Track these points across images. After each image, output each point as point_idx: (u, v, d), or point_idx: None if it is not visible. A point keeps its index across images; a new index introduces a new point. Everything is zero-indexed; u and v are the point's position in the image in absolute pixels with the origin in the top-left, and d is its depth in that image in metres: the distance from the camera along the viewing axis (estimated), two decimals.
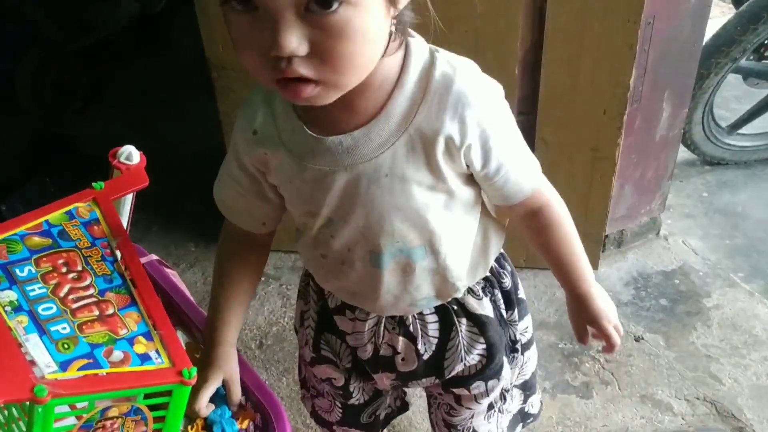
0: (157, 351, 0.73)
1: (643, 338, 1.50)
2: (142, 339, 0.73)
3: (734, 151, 2.11)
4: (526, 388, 0.94)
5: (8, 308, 0.69)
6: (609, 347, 0.84)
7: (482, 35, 1.34)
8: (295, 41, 0.54)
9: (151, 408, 0.73)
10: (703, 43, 1.77)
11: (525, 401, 0.95)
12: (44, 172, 2.04)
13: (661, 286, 1.64)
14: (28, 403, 0.63)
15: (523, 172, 0.74)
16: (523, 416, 0.97)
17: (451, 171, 0.69)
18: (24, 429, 0.66)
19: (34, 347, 0.67)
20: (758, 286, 1.68)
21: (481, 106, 0.66)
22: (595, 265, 1.65)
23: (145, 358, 0.71)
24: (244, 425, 0.82)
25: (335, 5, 0.53)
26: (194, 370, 0.72)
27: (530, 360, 0.92)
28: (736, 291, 1.63)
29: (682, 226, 1.90)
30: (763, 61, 1.97)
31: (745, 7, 1.75)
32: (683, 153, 2.10)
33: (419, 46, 0.68)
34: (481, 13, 1.31)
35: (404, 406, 1.04)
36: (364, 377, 0.89)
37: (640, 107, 1.47)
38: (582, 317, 0.83)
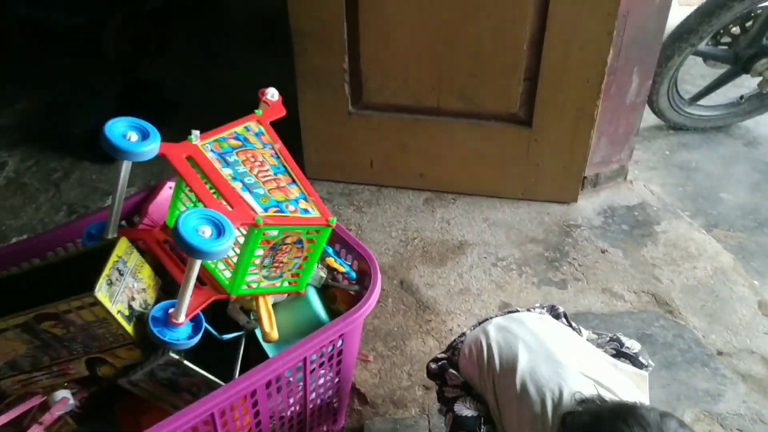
0: (311, 208, 1.23)
1: (607, 251, 2.02)
2: (302, 201, 1.23)
3: (694, 119, 2.61)
4: None
5: (229, 178, 1.19)
6: None
7: (500, 20, 1.82)
8: None
9: (306, 241, 1.23)
10: (670, 31, 2.26)
11: None
12: (131, 111, 2.51)
13: (624, 216, 2.16)
14: (248, 227, 1.13)
15: None
16: None
17: None
18: (238, 251, 1.16)
19: (248, 199, 1.17)
20: (698, 221, 2.19)
21: None
22: (574, 199, 2.16)
23: (305, 211, 1.22)
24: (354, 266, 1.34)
25: None
26: (333, 219, 1.22)
27: None
28: (680, 222, 2.14)
29: (646, 176, 2.40)
30: (719, 47, 2.46)
31: (703, 3, 2.23)
32: (652, 119, 2.61)
33: None
34: (499, 3, 1.80)
35: None
36: None
37: (615, 78, 1.96)
38: None
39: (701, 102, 2.61)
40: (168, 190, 1.48)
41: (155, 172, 2.22)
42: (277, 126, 1.36)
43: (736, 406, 1.61)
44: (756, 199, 2.32)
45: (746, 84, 2.65)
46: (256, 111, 1.34)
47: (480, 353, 1.20)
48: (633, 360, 1.28)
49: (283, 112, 1.39)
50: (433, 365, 1.32)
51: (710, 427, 1.56)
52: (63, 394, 1.19)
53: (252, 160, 1.24)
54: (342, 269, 1.37)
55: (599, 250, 2.02)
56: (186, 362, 1.14)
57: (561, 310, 1.31)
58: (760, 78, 2.41)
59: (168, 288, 1.24)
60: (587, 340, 1.29)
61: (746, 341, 1.76)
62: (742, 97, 2.59)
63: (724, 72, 2.51)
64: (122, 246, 1.16)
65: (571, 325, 1.30)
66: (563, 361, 1.12)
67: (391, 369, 1.69)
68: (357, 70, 2.01)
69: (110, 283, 1.10)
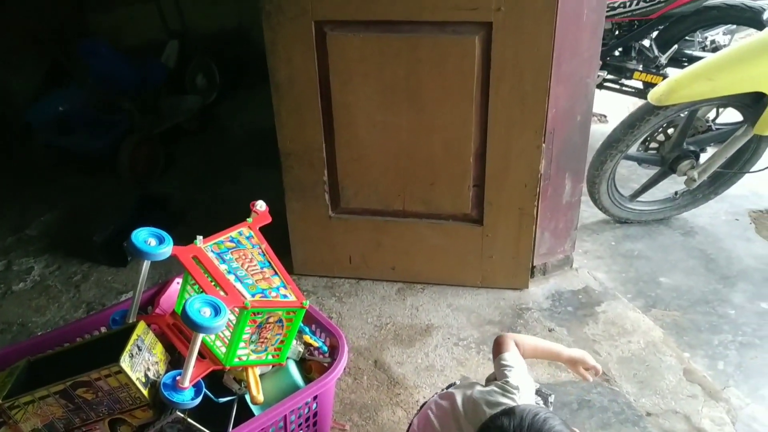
0: (289, 294, 1.56)
1: (554, 329, 2.33)
2: (282, 288, 1.56)
3: (636, 213, 2.97)
4: None
5: (225, 272, 1.53)
6: (596, 372, 1.64)
7: (450, 139, 2.22)
8: None
9: (285, 321, 1.55)
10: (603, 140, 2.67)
11: None
12: (144, 221, 2.88)
13: (569, 299, 2.48)
14: (238, 309, 1.46)
15: None
16: None
17: None
18: (228, 330, 1.49)
19: (240, 288, 1.50)
20: (638, 302, 2.50)
21: None
22: (525, 286, 2.49)
23: (284, 296, 1.55)
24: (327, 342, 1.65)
25: None
26: (307, 302, 1.55)
27: None
28: (618, 303, 2.46)
29: (593, 264, 2.73)
30: (648, 151, 2.86)
31: (626, 117, 2.65)
32: (601, 214, 2.98)
33: None
34: (449, 123, 2.20)
35: None
36: None
37: (550, 182, 2.34)
38: (574, 368, 1.65)
39: (641, 198, 2.98)
40: (175, 285, 1.82)
41: (162, 273, 2.56)
42: (269, 230, 1.71)
43: None
44: (691, 282, 2.63)
45: (680, 180, 3.03)
46: (247, 219, 1.70)
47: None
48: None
49: (269, 220, 1.75)
50: None
51: None
52: None
53: (243, 257, 1.58)
54: (316, 344, 1.68)
55: (547, 329, 2.33)
56: (189, 420, 1.44)
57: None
58: (686, 177, 2.79)
59: (175, 363, 1.56)
60: None
61: (672, 403, 2.03)
62: (676, 193, 2.97)
63: (656, 173, 2.90)
64: (141, 327, 1.49)
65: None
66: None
67: None
68: (335, 182, 2.39)
69: (132, 356, 1.42)
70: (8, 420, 1.45)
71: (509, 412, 1.28)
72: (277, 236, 1.71)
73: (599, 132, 2.83)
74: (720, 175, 2.85)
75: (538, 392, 1.58)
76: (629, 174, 3.27)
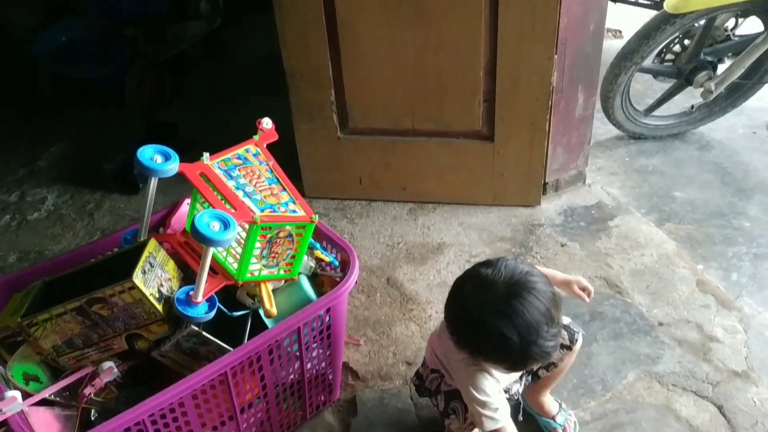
0: (298, 209, 1.56)
1: (566, 244, 2.32)
2: (291, 204, 1.56)
3: (650, 128, 2.91)
4: None
5: (233, 188, 1.52)
6: (588, 294, 1.59)
7: (459, 53, 2.16)
8: None
9: (295, 236, 1.55)
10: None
11: None
12: None
13: (582, 214, 2.47)
14: (248, 224, 1.46)
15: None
16: None
17: None
18: (239, 246, 1.49)
19: (248, 203, 1.49)
20: (651, 217, 2.48)
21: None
22: (538, 202, 2.48)
23: (293, 211, 1.54)
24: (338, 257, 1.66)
25: None
26: (316, 217, 1.55)
27: None
28: (632, 217, 2.44)
29: (607, 180, 2.70)
30: (664, 63, 2.78)
31: (641, 27, 2.56)
32: (615, 130, 2.92)
33: None
34: (457, 38, 2.13)
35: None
36: None
37: (563, 96, 2.29)
38: (569, 289, 1.59)
39: (656, 113, 2.92)
40: (185, 206, 1.82)
41: (173, 198, 2.56)
42: (280, 156, 1.68)
43: (672, 366, 1.89)
44: (706, 196, 2.60)
45: (696, 94, 2.95)
46: (254, 137, 1.68)
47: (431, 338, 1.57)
48: (566, 328, 1.58)
49: (275, 137, 1.73)
50: (414, 380, 1.67)
51: (649, 385, 1.84)
52: (109, 364, 1.51)
53: (251, 174, 1.57)
54: (327, 259, 1.69)
55: (559, 244, 2.32)
56: (204, 333, 1.46)
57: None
58: (702, 89, 2.71)
59: (188, 280, 1.57)
60: None
61: (684, 313, 2.04)
62: (692, 107, 2.89)
63: (671, 85, 2.83)
64: (152, 245, 1.50)
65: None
66: None
67: (378, 350, 1.99)
68: (342, 102, 2.35)
69: (144, 272, 1.43)
70: (28, 337, 1.47)
71: (489, 263, 1.30)
72: (287, 161, 1.70)
73: (614, 47, 2.74)
74: (738, 86, 2.78)
75: (566, 328, 1.58)
76: (644, 89, 3.19)
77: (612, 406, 1.79)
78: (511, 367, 1.34)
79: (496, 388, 1.39)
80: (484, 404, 1.36)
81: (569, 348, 1.58)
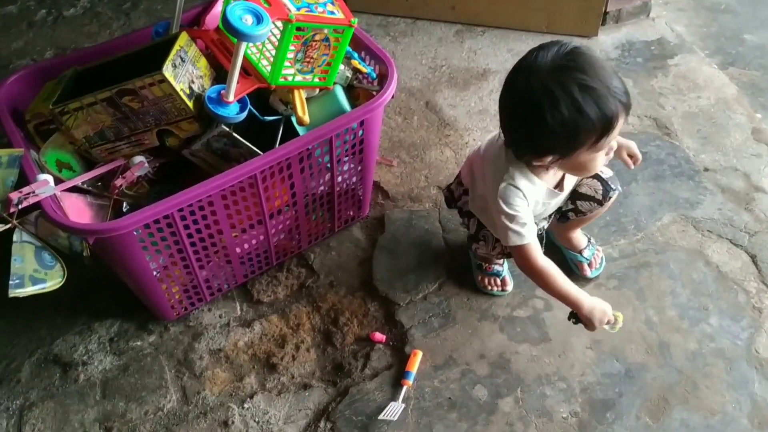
0: (337, 11, 1.46)
1: None
2: (329, 5, 1.45)
3: None
4: None
5: None
6: (635, 161, 1.50)
7: None
8: None
9: (332, 39, 1.47)
10: None
11: None
12: None
13: (640, 50, 2.30)
14: (282, 22, 1.37)
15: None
16: None
17: None
18: (274, 49, 1.41)
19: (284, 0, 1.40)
20: (716, 59, 2.31)
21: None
22: (595, 33, 2.31)
23: (331, 12, 1.45)
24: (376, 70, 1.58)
25: None
26: (355, 20, 1.45)
27: None
28: (694, 57, 2.28)
29: (673, 16, 2.49)
30: None
31: None
32: None
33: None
34: None
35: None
36: None
37: None
38: (618, 153, 1.47)
39: None
40: (220, 3, 1.72)
41: None
42: None
43: (711, 212, 1.83)
44: None
45: None
46: None
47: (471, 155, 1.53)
48: (602, 182, 1.51)
49: None
50: (445, 192, 1.64)
51: (684, 228, 1.80)
52: (140, 158, 1.51)
53: None
54: (365, 70, 1.61)
55: None
56: (234, 134, 1.43)
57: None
58: None
59: (221, 81, 1.51)
60: None
61: (733, 161, 1.95)
62: None
63: None
64: (183, 38, 1.43)
65: None
66: None
67: (411, 173, 1.97)
68: None
69: (174, 66, 1.38)
70: (61, 126, 1.47)
71: (544, 46, 1.21)
72: None
73: None
74: None
75: (603, 182, 1.51)
76: None
77: (642, 245, 1.76)
78: (562, 151, 1.24)
79: (526, 207, 1.35)
80: (512, 218, 1.34)
81: (600, 203, 1.53)
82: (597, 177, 1.51)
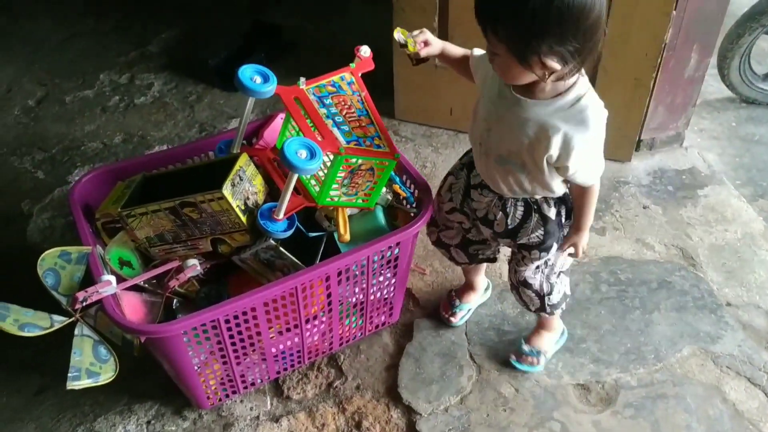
0: (383, 145, 1.60)
1: (648, 207, 2.28)
2: (377, 138, 1.60)
3: (766, 94, 2.74)
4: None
5: (323, 116, 1.57)
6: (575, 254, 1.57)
7: None
8: None
9: (377, 169, 1.61)
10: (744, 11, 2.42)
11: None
12: (255, 47, 2.94)
13: (672, 178, 2.40)
14: (333, 154, 1.52)
15: (584, 177, 1.38)
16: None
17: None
18: (325, 173, 1.56)
19: (336, 133, 1.55)
20: (745, 190, 2.38)
21: (580, 131, 1.28)
22: (628, 159, 2.42)
23: (378, 146, 1.59)
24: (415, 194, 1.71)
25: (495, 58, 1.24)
26: (398, 155, 1.59)
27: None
28: (723, 189, 2.36)
29: (706, 144, 2.59)
30: None
31: None
32: (727, 92, 2.77)
33: (582, 84, 1.30)
34: None
35: (494, 259, 1.77)
36: (478, 227, 1.63)
37: (675, 54, 2.18)
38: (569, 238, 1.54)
39: None
40: (279, 120, 1.90)
41: (270, 104, 2.65)
42: (374, 73, 1.70)
43: (731, 348, 1.88)
44: None
45: None
46: (350, 64, 1.71)
47: None
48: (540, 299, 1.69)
49: (371, 66, 1.75)
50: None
51: (703, 362, 1.85)
52: (194, 261, 1.65)
53: (342, 103, 1.62)
54: (404, 194, 1.75)
55: (641, 206, 2.29)
56: (281, 248, 1.57)
57: None
58: None
59: (273, 194, 1.66)
60: None
61: (756, 297, 2.00)
62: None
63: None
64: (243, 159, 1.59)
65: None
66: None
67: (442, 282, 2.07)
68: (444, 29, 2.32)
69: (233, 185, 1.53)
70: (126, 226, 1.62)
71: None
72: (381, 77, 1.73)
73: (745, 3, 2.55)
74: None
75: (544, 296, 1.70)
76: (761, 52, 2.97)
77: (661, 376, 1.81)
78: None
79: None
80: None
81: (526, 307, 1.74)
82: (537, 293, 1.67)
